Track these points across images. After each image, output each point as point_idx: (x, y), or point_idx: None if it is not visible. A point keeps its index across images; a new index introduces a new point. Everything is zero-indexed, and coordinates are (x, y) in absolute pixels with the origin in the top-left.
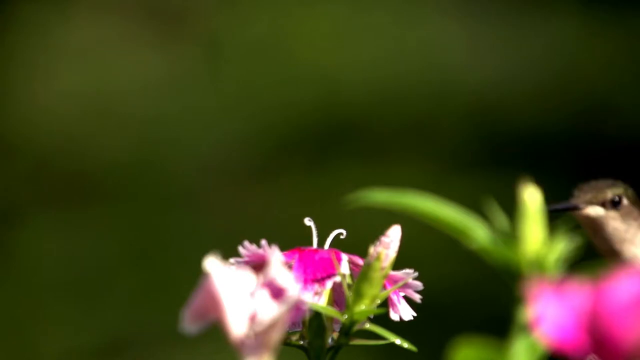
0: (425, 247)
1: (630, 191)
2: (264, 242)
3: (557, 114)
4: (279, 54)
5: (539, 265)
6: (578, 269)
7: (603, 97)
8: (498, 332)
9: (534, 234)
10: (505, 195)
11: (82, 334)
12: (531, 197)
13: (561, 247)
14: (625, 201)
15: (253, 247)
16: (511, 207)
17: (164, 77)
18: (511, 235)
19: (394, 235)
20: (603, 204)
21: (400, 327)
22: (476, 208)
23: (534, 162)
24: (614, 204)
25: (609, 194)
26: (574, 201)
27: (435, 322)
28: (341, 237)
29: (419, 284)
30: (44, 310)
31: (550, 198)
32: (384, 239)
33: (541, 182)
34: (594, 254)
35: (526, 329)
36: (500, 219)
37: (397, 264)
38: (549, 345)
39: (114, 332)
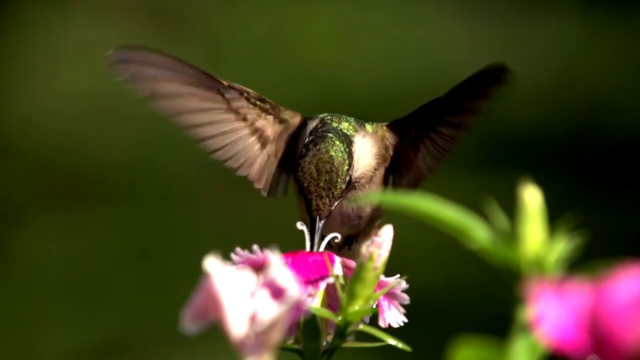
0: (426, 247)
1: (347, 138)
2: (255, 247)
3: (557, 114)
4: (279, 54)
5: (539, 265)
6: (578, 269)
7: (603, 97)
8: (498, 332)
9: (534, 234)
10: (505, 195)
11: (82, 334)
12: (531, 197)
13: (561, 247)
14: (351, 171)
15: (245, 252)
16: (511, 207)
17: None
18: (511, 235)
19: (386, 235)
20: (341, 195)
21: (400, 327)
22: (476, 208)
23: (534, 162)
24: (349, 182)
25: (343, 185)
26: (318, 216)
27: (435, 322)
28: (336, 240)
29: (405, 297)
30: (44, 310)
31: (550, 198)
32: (376, 239)
33: (541, 182)
34: (594, 254)
35: (526, 329)
36: (500, 219)
37: (397, 265)
38: (549, 345)
39: (114, 332)
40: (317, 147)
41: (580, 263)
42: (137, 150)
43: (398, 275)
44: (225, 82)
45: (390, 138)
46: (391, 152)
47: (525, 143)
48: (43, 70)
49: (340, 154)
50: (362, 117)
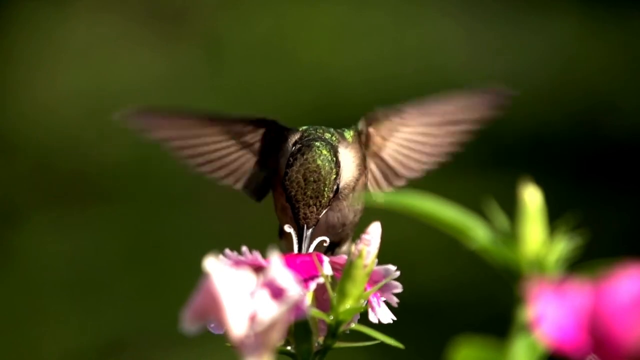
0: (426, 247)
1: (329, 147)
2: (244, 249)
3: (556, 114)
4: (278, 54)
5: (539, 265)
6: (578, 269)
7: (603, 97)
8: (498, 332)
9: (534, 234)
10: (506, 196)
11: (82, 334)
12: (531, 197)
13: (561, 247)
14: (339, 180)
15: (234, 254)
16: (511, 207)
17: (164, 77)
18: (511, 235)
19: (374, 233)
20: (328, 203)
21: (399, 327)
22: (476, 208)
23: (534, 162)
24: (337, 190)
25: (330, 194)
26: (306, 225)
27: (435, 322)
28: (324, 244)
29: (398, 285)
30: (44, 310)
31: (549, 198)
32: (364, 236)
33: (541, 182)
34: (594, 254)
35: (526, 329)
36: (500, 219)
37: (397, 265)
38: (549, 345)
39: (114, 332)
40: (305, 156)
41: (580, 263)
42: (136, 150)
43: (389, 265)
44: (228, 116)
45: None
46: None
47: (525, 143)
48: (43, 70)
49: (327, 163)
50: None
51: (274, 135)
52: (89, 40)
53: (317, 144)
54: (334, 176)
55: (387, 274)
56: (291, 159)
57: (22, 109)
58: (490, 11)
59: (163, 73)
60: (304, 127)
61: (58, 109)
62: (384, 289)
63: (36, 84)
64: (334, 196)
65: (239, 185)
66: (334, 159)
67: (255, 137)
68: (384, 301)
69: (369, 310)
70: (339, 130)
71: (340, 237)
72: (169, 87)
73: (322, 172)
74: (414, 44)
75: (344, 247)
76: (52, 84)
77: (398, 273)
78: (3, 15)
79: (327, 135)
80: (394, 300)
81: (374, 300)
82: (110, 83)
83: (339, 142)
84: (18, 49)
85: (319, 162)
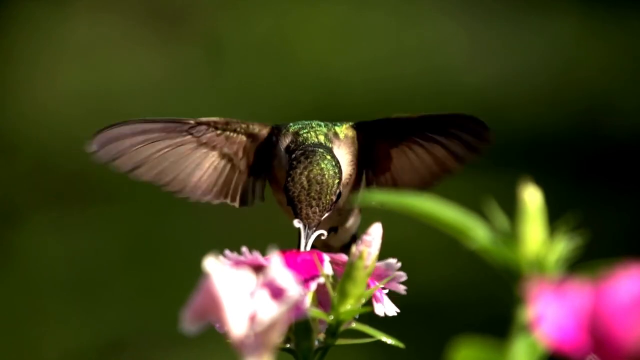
0: (426, 247)
1: (332, 154)
2: (244, 249)
3: (557, 114)
4: (279, 54)
5: (539, 265)
6: (578, 269)
7: (602, 97)
8: (498, 333)
9: (534, 234)
10: (505, 195)
11: (82, 334)
12: (531, 197)
13: (561, 247)
14: (341, 187)
15: (234, 254)
16: (511, 207)
17: (165, 77)
18: (511, 235)
19: (375, 234)
20: (330, 207)
21: (400, 327)
22: (476, 208)
23: (534, 162)
24: (339, 196)
25: (333, 197)
26: (308, 225)
27: (435, 322)
28: (322, 237)
29: (402, 274)
30: (44, 310)
31: (549, 198)
32: (365, 237)
33: (541, 182)
34: (594, 254)
35: (526, 329)
36: (500, 219)
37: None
38: (549, 345)
39: (114, 332)
40: (309, 159)
41: (580, 263)
42: None
43: (390, 259)
44: (192, 121)
45: (359, 139)
46: (361, 154)
47: (525, 143)
48: (43, 70)
49: (331, 168)
50: (363, 117)
51: (259, 136)
52: (89, 40)
53: (321, 150)
54: (337, 181)
55: (388, 268)
56: (294, 162)
57: (22, 109)
58: (490, 11)
59: (163, 73)
60: (297, 127)
61: (58, 109)
62: (388, 282)
63: (36, 84)
64: (335, 202)
65: (229, 198)
66: (338, 165)
67: (237, 144)
68: (386, 294)
69: (374, 303)
70: (330, 126)
71: (339, 222)
72: (169, 87)
73: (326, 175)
74: (414, 44)
75: (348, 224)
76: (52, 84)
77: (399, 264)
78: (3, 15)
79: (321, 137)
80: (402, 288)
81: (377, 294)
82: (110, 83)
83: (331, 142)
84: (18, 49)
85: (322, 165)
